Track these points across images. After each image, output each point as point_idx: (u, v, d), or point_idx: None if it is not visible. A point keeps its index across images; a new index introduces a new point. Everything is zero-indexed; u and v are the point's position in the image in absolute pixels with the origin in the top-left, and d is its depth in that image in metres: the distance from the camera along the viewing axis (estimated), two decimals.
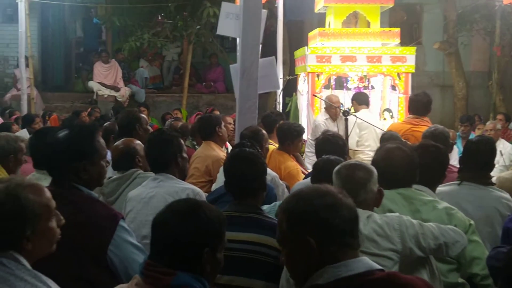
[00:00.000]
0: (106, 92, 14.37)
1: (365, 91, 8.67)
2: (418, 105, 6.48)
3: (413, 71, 8.74)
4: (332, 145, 4.72)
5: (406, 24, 15.43)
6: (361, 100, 7.98)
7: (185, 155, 4.08)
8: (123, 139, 4.62)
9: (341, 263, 2.03)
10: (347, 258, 2.04)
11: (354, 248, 2.07)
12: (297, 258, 2.09)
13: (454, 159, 5.57)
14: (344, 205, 2.07)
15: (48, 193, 2.31)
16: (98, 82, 14.42)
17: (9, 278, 2.13)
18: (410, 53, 8.69)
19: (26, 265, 2.20)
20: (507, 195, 4.10)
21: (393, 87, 8.83)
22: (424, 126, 6.21)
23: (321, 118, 7.83)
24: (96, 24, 16.81)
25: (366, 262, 2.08)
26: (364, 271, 2.04)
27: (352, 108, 7.87)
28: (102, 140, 3.11)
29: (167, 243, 2.27)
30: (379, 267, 2.09)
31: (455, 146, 6.52)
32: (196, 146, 6.83)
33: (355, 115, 7.26)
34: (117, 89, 14.44)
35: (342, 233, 2.04)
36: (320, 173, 3.82)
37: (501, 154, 7.16)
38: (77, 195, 2.96)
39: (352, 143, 7.22)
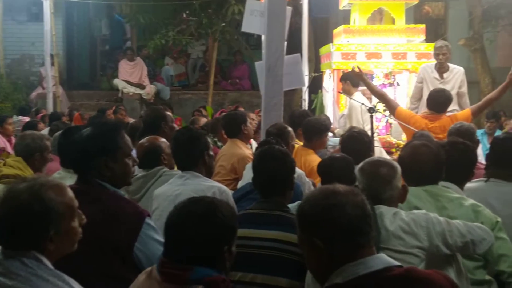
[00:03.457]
0: (132, 90, 14.48)
1: (390, 87, 8.64)
2: (434, 103, 6.48)
3: None
4: (357, 142, 4.71)
5: (431, 20, 15.31)
6: (355, 82, 7.84)
7: (211, 153, 4.08)
8: (148, 137, 4.63)
9: (359, 261, 2.05)
10: (363, 256, 2.06)
11: (366, 246, 2.08)
12: (311, 259, 2.14)
13: (479, 155, 5.53)
14: (349, 204, 2.08)
15: (71, 193, 2.32)
16: (124, 80, 14.52)
17: (31, 278, 2.14)
18: None
19: (48, 265, 2.21)
20: None
21: (391, 84, 8.81)
22: (440, 121, 6.26)
23: None
24: (119, 21, 16.93)
25: (384, 259, 2.09)
26: (383, 267, 2.05)
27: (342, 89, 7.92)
28: (127, 138, 3.11)
29: (187, 245, 2.30)
30: (398, 263, 2.10)
31: (480, 142, 6.49)
32: (218, 143, 6.83)
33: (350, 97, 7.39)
34: (142, 87, 14.53)
35: (348, 232, 2.06)
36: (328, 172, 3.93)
37: None
38: (103, 193, 2.96)
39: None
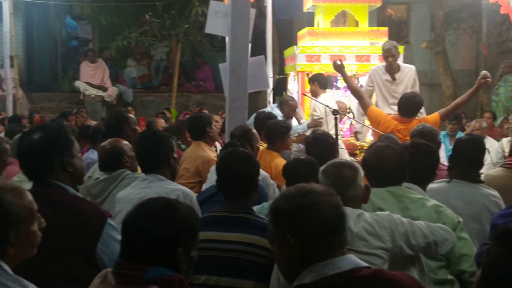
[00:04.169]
0: (93, 92, 14.24)
1: None
2: (404, 108, 6.48)
3: None
4: (322, 144, 4.73)
5: (394, 23, 15.50)
6: (322, 84, 7.96)
7: (175, 155, 4.06)
8: (110, 140, 4.55)
9: (328, 261, 2.05)
10: (333, 257, 2.06)
11: (338, 247, 2.08)
12: (282, 257, 2.13)
13: (441, 156, 5.60)
14: (326, 204, 2.08)
15: (30, 196, 2.28)
16: (85, 82, 14.30)
17: None
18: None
19: (7, 270, 2.16)
20: (495, 193, 4.14)
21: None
22: (409, 124, 6.28)
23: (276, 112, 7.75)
24: (70, 24, 16.79)
25: (353, 260, 2.10)
26: (351, 268, 2.05)
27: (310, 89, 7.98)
28: None
29: (142, 243, 2.25)
30: (366, 264, 2.11)
31: (441, 144, 6.57)
32: (182, 146, 6.79)
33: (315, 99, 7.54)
34: (104, 89, 14.32)
35: (323, 231, 2.06)
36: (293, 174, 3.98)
37: (488, 152, 7.18)
38: (63, 195, 2.94)
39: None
